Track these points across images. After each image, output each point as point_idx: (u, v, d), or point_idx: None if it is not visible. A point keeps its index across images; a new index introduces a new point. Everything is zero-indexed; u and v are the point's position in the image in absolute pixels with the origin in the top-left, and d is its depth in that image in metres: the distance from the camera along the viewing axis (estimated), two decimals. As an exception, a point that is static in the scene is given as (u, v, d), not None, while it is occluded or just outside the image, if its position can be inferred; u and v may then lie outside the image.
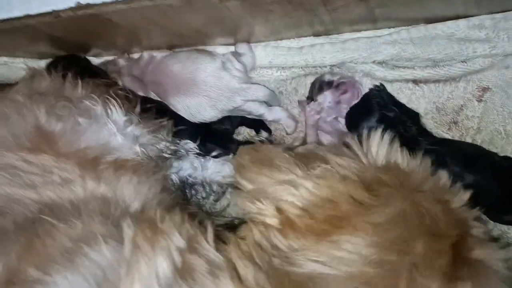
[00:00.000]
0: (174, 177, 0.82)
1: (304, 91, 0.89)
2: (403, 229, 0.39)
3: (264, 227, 0.44)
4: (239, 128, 0.93)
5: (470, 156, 0.75)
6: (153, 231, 0.46)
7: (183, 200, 0.83)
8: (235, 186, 0.58)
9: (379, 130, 0.50)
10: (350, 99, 0.80)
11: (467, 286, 0.39)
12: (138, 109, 0.78)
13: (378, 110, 0.77)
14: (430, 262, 0.39)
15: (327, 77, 0.83)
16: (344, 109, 0.81)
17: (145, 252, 0.43)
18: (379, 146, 0.48)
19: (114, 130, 0.68)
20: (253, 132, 0.91)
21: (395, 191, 0.42)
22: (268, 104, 0.87)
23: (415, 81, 0.82)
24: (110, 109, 0.73)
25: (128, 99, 0.82)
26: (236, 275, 0.40)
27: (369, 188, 0.44)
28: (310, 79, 0.88)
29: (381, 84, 0.82)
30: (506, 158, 0.75)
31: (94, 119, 0.72)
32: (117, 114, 0.72)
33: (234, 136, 0.92)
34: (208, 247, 0.48)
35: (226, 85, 0.83)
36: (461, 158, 0.75)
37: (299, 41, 0.86)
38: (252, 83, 0.84)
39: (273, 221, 0.46)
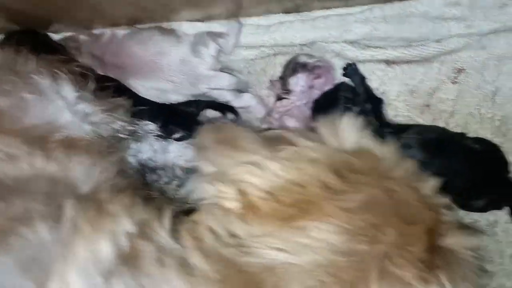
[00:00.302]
0: (132, 160, 0.76)
1: (273, 71, 0.84)
2: (374, 216, 0.36)
3: (221, 211, 0.40)
4: (206, 111, 0.88)
5: (438, 140, 0.72)
6: (98, 213, 0.42)
7: (143, 184, 0.78)
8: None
9: (350, 115, 0.46)
10: (323, 85, 0.76)
11: (443, 274, 0.35)
12: (92, 86, 0.71)
13: (343, 104, 0.73)
14: (404, 251, 0.35)
15: (302, 59, 0.78)
16: (316, 95, 0.76)
17: (85, 234, 0.39)
18: (349, 131, 0.44)
19: (63, 106, 0.62)
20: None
21: (366, 177, 0.38)
22: (236, 90, 0.82)
23: (388, 62, 0.78)
24: (60, 85, 0.66)
25: (84, 76, 0.76)
26: (186, 264, 0.36)
27: (339, 173, 0.40)
28: (279, 59, 0.83)
29: (354, 64, 0.78)
30: (477, 139, 0.72)
31: (42, 95, 0.66)
32: (68, 90, 0.66)
33: (200, 119, 0.87)
34: (162, 233, 0.43)
35: (192, 70, 0.78)
36: (428, 143, 0.72)
37: (267, 18, 0.81)
38: (219, 71, 0.79)
39: (233, 205, 0.41)
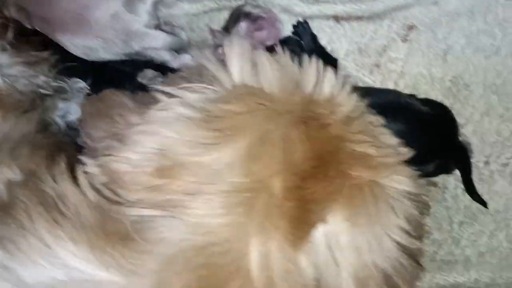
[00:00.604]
0: (59, 120, 0.70)
1: (217, 27, 0.78)
2: (253, 168, 0.30)
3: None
4: (145, 71, 0.81)
5: (387, 104, 0.67)
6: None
7: (71, 147, 0.71)
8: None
9: (241, 41, 0.39)
10: (265, 39, 0.70)
11: (339, 208, 0.31)
12: (10, 36, 0.65)
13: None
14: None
15: (247, 8, 0.72)
16: (258, 48, 0.71)
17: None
18: (241, 64, 0.37)
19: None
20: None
21: (246, 121, 0.32)
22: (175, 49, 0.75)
23: (336, 18, 0.73)
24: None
25: (4, 27, 0.69)
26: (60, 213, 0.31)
27: (212, 124, 0.33)
28: (224, 15, 0.77)
29: (305, 21, 0.73)
30: (426, 101, 0.68)
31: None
32: (-20, 40, 0.59)
33: (139, 79, 0.80)
34: (53, 184, 0.37)
35: (124, 27, 0.71)
36: (382, 107, 0.67)
37: (211, -31, 0.75)
38: (155, 28, 0.72)
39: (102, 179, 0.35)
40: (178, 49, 0.77)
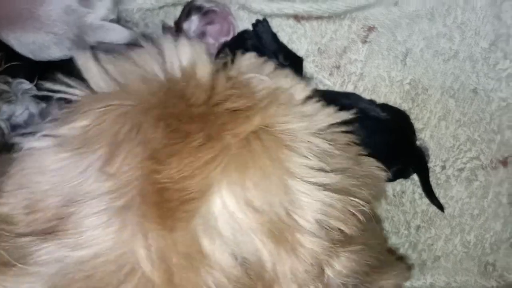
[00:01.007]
0: (2, 124, 0.65)
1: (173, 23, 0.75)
2: (114, 171, 0.29)
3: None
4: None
5: (346, 108, 0.66)
6: None
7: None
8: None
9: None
10: (218, 33, 0.67)
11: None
12: None
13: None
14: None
15: (199, 2, 0.69)
16: (211, 44, 0.68)
17: None
18: (92, 74, 0.36)
19: None
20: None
21: (97, 130, 0.32)
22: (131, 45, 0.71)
23: (296, 17, 0.70)
24: None
25: None
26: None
27: (67, 147, 0.33)
28: (179, 10, 0.74)
29: (265, 20, 0.70)
30: (384, 107, 0.67)
31: None
32: None
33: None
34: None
35: (77, 20, 0.67)
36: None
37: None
38: (109, 22, 0.68)
39: None
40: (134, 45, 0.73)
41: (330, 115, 0.37)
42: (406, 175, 0.70)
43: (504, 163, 0.69)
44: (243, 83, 0.38)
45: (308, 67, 0.72)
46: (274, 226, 0.30)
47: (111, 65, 0.37)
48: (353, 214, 0.33)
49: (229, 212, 0.29)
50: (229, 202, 0.29)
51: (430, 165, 0.70)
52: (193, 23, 0.67)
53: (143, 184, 0.29)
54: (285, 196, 0.31)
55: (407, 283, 0.71)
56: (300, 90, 0.41)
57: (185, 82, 0.35)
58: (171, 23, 0.75)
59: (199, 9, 0.67)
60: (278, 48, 0.70)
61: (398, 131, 0.67)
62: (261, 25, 0.70)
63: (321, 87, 0.73)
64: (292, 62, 0.70)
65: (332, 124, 0.37)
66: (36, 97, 0.70)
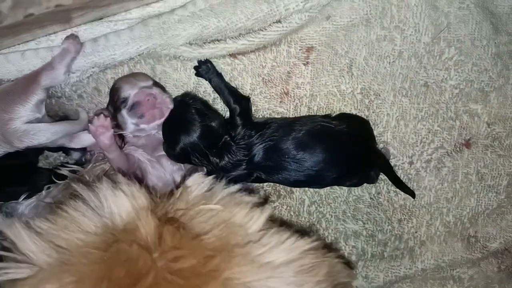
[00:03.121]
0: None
1: (107, 88, 0.71)
2: None
3: None
4: (45, 154, 0.75)
5: (306, 134, 0.65)
6: None
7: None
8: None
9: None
10: (152, 121, 0.64)
11: None
12: None
13: (198, 122, 0.63)
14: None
15: (123, 94, 0.65)
16: (154, 134, 0.66)
17: None
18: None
19: None
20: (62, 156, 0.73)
21: None
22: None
23: (232, 54, 0.67)
24: None
25: None
26: None
27: None
28: (110, 74, 0.70)
29: (207, 60, 0.67)
30: (340, 118, 0.67)
31: None
32: None
33: (40, 164, 0.74)
34: None
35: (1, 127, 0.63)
36: (301, 139, 0.65)
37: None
38: (34, 124, 0.63)
39: None
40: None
41: (290, 248, 0.37)
42: (370, 181, 0.71)
43: (467, 145, 0.71)
44: (191, 234, 0.37)
45: (258, 99, 0.70)
46: None
47: (45, 227, 0.36)
48: None
49: None
50: None
51: (398, 163, 0.72)
52: (127, 119, 0.64)
53: None
54: None
55: (401, 273, 0.75)
56: (256, 218, 0.40)
57: (128, 243, 0.34)
58: (103, 88, 0.72)
59: (125, 103, 0.64)
60: (224, 88, 0.68)
61: (356, 140, 0.68)
62: (205, 66, 0.67)
63: (275, 115, 0.71)
64: (240, 102, 0.68)
65: (292, 259, 0.37)
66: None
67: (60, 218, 0.39)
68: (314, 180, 0.66)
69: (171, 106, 0.63)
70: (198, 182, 0.43)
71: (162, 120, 0.63)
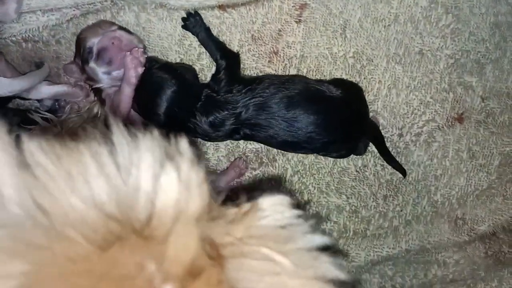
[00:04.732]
0: None
1: (89, 33, 0.67)
2: None
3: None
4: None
5: (297, 95, 0.62)
6: None
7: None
8: None
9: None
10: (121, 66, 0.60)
11: None
12: None
13: (170, 78, 0.60)
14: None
15: (88, 44, 0.61)
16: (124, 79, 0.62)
17: None
18: None
19: None
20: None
21: None
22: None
23: (221, 7, 0.64)
24: None
25: None
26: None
27: None
28: (92, 19, 0.66)
29: (196, 13, 0.64)
30: (336, 83, 0.63)
31: None
32: None
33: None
34: None
35: None
36: (292, 98, 0.62)
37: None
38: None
39: None
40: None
41: None
42: (358, 152, 0.68)
43: (460, 119, 0.68)
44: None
45: (245, 57, 0.67)
46: None
47: None
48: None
49: None
50: None
51: (387, 134, 0.69)
52: (96, 70, 0.60)
53: None
54: None
55: (384, 252, 0.72)
56: None
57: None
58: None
59: (90, 52, 0.60)
60: (212, 43, 0.64)
61: (350, 106, 0.64)
62: (193, 19, 0.64)
63: (261, 75, 0.68)
64: (230, 60, 0.65)
65: None
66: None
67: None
68: (302, 143, 0.62)
69: (140, 46, 0.60)
70: (277, 210, 0.25)
71: (141, 69, 0.59)
